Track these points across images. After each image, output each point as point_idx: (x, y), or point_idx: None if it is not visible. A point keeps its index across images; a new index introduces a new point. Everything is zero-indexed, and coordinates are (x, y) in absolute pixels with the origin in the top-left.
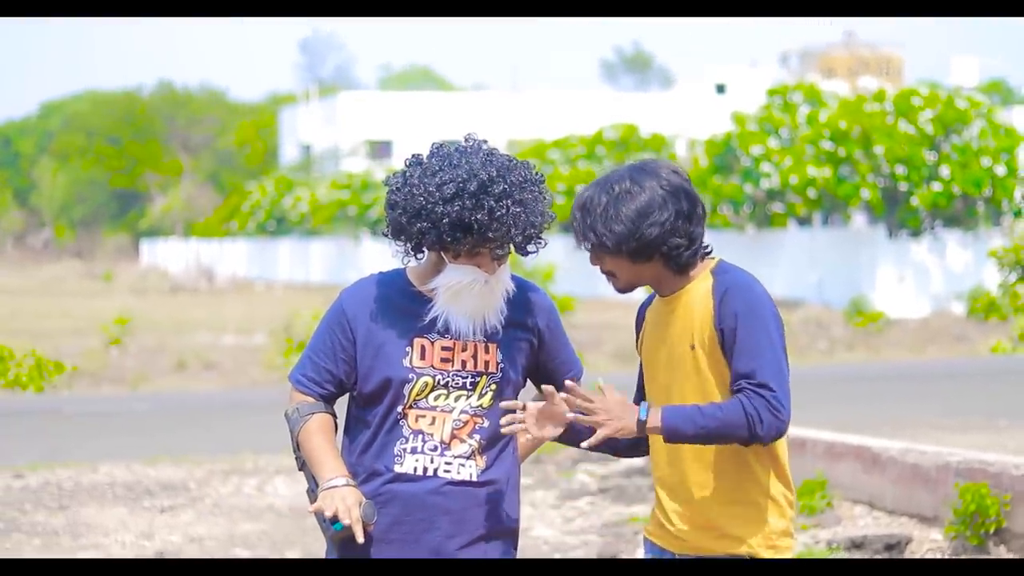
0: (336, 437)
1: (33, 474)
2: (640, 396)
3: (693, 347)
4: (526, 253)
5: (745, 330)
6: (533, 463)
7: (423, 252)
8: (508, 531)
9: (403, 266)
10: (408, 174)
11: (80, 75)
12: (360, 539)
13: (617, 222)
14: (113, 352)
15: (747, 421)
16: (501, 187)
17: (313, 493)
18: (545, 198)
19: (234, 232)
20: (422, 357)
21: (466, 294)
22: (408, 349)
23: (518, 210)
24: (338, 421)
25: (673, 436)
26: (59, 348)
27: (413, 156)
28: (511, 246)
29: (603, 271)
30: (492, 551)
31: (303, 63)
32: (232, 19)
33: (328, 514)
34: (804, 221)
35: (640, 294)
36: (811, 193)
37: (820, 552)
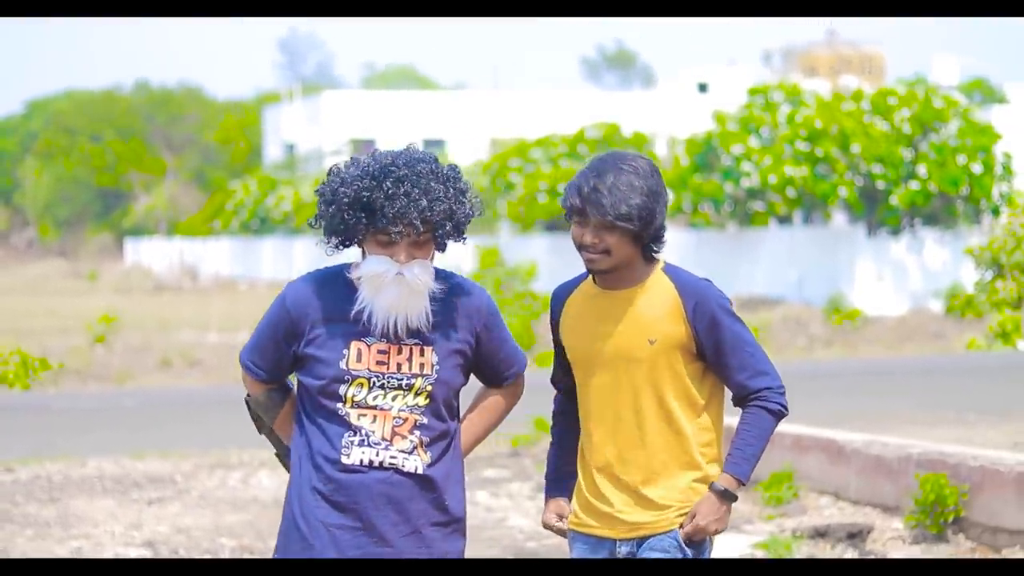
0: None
1: (23, 468)
2: (564, 380)
3: (653, 341)
4: (441, 247)
5: (730, 333)
6: (510, 456)
7: (347, 245)
8: (453, 520)
9: (349, 262)
10: (328, 172)
11: (63, 74)
12: None
13: (636, 196)
14: (98, 350)
15: (778, 420)
16: (402, 172)
17: (283, 458)
18: (462, 197)
19: (218, 231)
20: (358, 360)
21: (384, 286)
22: (345, 351)
23: (417, 194)
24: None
25: (747, 480)
26: (45, 346)
27: (336, 163)
28: (427, 235)
29: (595, 249)
30: (436, 540)
31: (283, 61)
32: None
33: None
34: (785, 220)
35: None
36: (790, 192)
37: (785, 540)
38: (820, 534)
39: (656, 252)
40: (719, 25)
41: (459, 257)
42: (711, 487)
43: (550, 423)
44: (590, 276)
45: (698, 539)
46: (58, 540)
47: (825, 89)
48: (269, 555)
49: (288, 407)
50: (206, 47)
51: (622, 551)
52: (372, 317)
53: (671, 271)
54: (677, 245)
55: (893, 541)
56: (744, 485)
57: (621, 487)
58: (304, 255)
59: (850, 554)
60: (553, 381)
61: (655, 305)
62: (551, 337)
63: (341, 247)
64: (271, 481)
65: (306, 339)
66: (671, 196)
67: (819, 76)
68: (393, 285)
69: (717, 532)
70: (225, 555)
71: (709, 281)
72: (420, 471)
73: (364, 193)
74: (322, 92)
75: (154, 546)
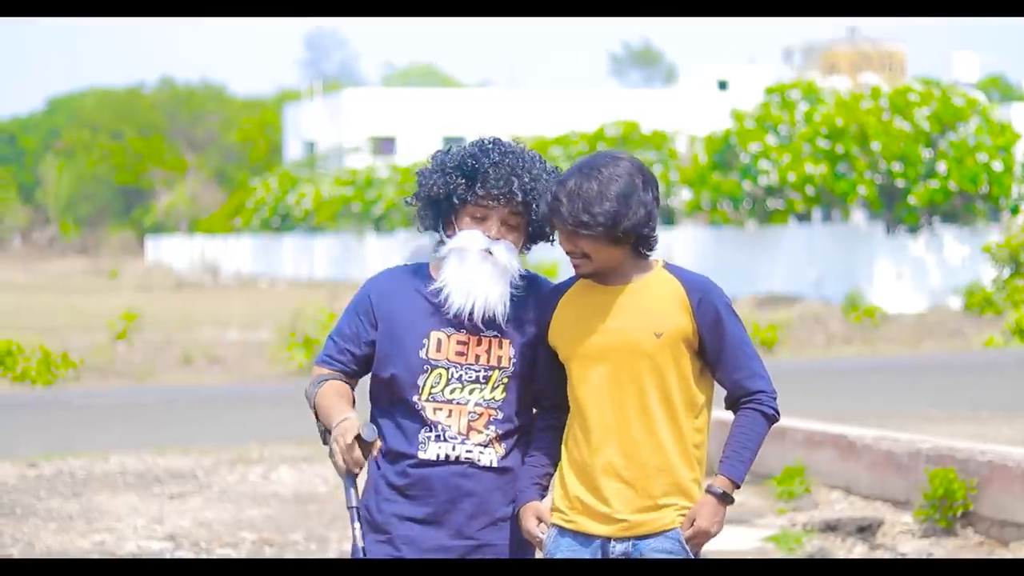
0: (353, 403)
1: (47, 463)
2: (552, 396)
3: (659, 335)
4: (532, 236)
5: (732, 331)
6: None
7: (440, 221)
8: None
9: (427, 260)
10: (433, 156)
11: (84, 71)
12: (352, 468)
13: (607, 202)
14: (120, 347)
15: (771, 424)
16: (510, 148)
17: (331, 452)
18: (551, 179)
19: (238, 229)
20: (438, 349)
21: (469, 263)
22: (425, 341)
23: (521, 168)
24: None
25: (742, 483)
26: (66, 343)
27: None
28: (519, 219)
29: (574, 255)
30: (506, 532)
31: (307, 59)
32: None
33: (337, 460)
34: (804, 218)
35: None
36: (809, 190)
37: (796, 534)
38: (830, 528)
39: (645, 251)
40: (741, 23)
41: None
42: (709, 489)
43: (533, 439)
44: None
45: (699, 541)
46: (81, 534)
47: (846, 87)
48: (290, 548)
49: (328, 388)
50: (230, 45)
51: (617, 550)
52: (449, 298)
53: (673, 268)
54: (696, 242)
55: (902, 535)
56: (739, 488)
57: (621, 484)
58: (324, 252)
59: (859, 548)
60: (535, 398)
61: (660, 299)
62: None
63: (434, 225)
64: (291, 476)
65: (385, 326)
66: (688, 194)
67: (840, 73)
68: (478, 263)
69: (715, 535)
70: (246, 549)
71: (711, 280)
72: (495, 464)
73: (469, 160)
74: (342, 90)
75: (176, 539)
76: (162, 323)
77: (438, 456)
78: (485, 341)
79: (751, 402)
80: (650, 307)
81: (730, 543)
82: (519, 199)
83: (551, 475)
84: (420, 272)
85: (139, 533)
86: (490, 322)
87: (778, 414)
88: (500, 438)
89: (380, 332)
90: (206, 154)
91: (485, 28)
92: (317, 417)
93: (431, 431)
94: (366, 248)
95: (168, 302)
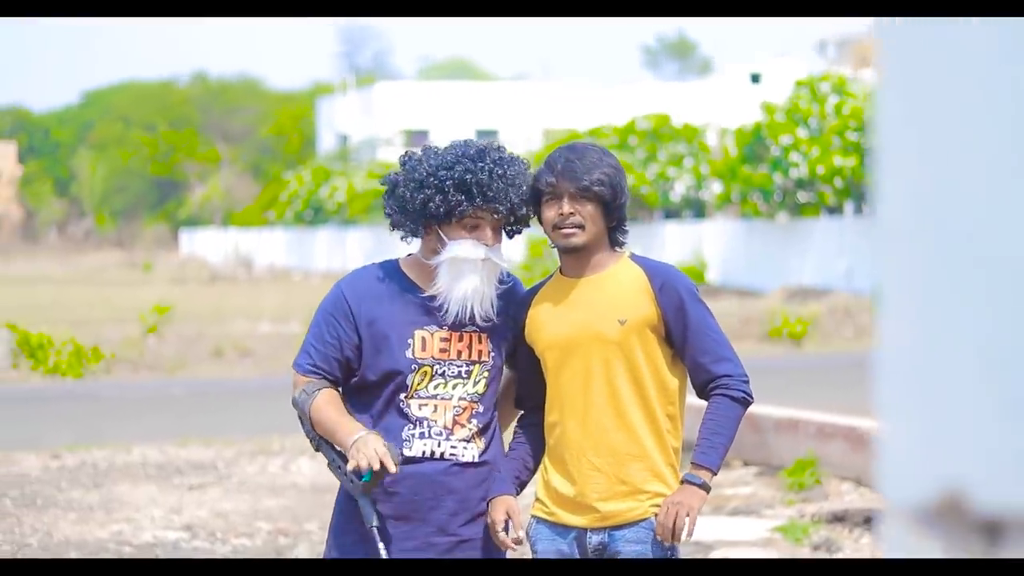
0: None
1: (70, 455)
2: (533, 397)
3: (623, 321)
4: (514, 230)
5: (695, 316)
6: None
7: (423, 231)
8: None
9: (397, 257)
10: (407, 160)
11: (122, 66)
12: (392, 469)
13: (605, 167)
14: (151, 340)
15: (744, 407)
16: (495, 155)
17: (335, 463)
18: (528, 179)
19: (272, 222)
20: (423, 348)
21: (467, 269)
22: (410, 341)
23: (513, 174)
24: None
25: (718, 470)
26: (99, 336)
27: (407, 152)
28: (506, 216)
29: (570, 224)
30: (486, 526)
31: (341, 53)
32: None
33: (350, 466)
34: (835, 210)
35: None
36: (839, 182)
37: (803, 524)
38: (838, 519)
39: (621, 238)
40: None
41: (509, 248)
42: (686, 478)
43: (512, 437)
44: (555, 274)
45: (672, 530)
46: (100, 524)
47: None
48: (304, 538)
49: (325, 398)
50: (266, 39)
51: (593, 540)
52: (446, 304)
53: (638, 258)
54: (726, 235)
55: None
56: (715, 475)
57: (595, 474)
58: (357, 245)
59: (866, 538)
60: (518, 400)
61: (623, 287)
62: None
63: (416, 232)
64: (310, 467)
65: (367, 330)
66: (719, 187)
67: (872, 66)
68: (475, 270)
69: (690, 524)
70: (261, 538)
71: (674, 267)
72: (476, 459)
73: (468, 175)
74: (375, 83)
75: (192, 529)
76: (194, 316)
77: (423, 453)
78: (466, 336)
79: (718, 387)
80: (615, 296)
81: (738, 533)
82: (514, 209)
83: (531, 471)
84: (393, 271)
85: (156, 523)
86: (471, 317)
87: (750, 396)
88: (480, 432)
89: (364, 336)
90: (240, 147)
91: (520, 22)
92: (310, 427)
93: (415, 428)
94: (398, 241)
95: (201, 295)
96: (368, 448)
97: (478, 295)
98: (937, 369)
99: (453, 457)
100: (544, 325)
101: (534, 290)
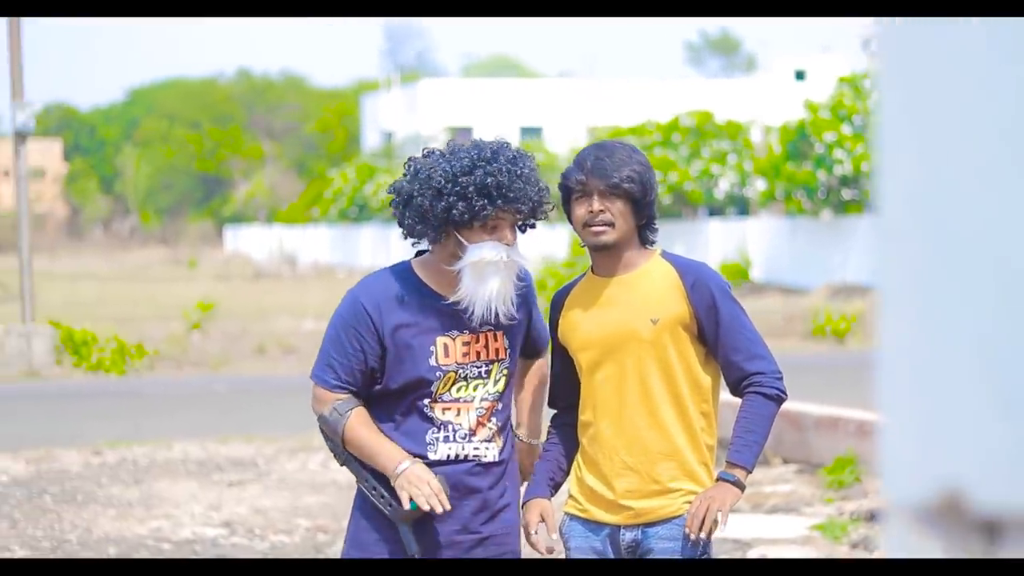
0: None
1: (111, 451)
2: (568, 397)
3: (655, 320)
4: (530, 224)
5: (728, 314)
6: None
7: (443, 237)
8: (517, 499)
9: (408, 259)
10: (415, 167)
11: (167, 63)
12: (445, 508)
13: (635, 164)
14: (195, 337)
15: (778, 405)
16: (508, 153)
17: (372, 487)
18: (537, 174)
19: (316, 219)
20: (446, 355)
21: (490, 272)
22: (432, 348)
23: (528, 171)
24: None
25: (752, 469)
26: (143, 333)
27: (410, 158)
28: (528, 214)
29: (600, 223)
30: (507, 521)
31: (386, 49)
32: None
33: (403, 497)
34: None
35: None
36: None
37: (842, 522)
38: (875, 517)
39: (651, 236)
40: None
41: (554, 244)
42: (720, 476)
43: (547, 437)
44: (587, 273)
45: (703, 527)
46: (139, 520)
47: None
48: (343, 535)
49: (359, 418)
50: (309, 37)
51: (627, 537)
52: (471, 308)
53: (669, 256)
54: (771, 233)
55: None
56: (750, 473)
57: (628, 472)
58: (401, 243)
59: None
60: (552, 400)
61: (655, 285)
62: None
63: (435, 237)
64: None
65: (391, 338)
66: (763, 184)
67: None
68: (498, 271)
69: (722, 522)
70: (300, 535)
71: (707, 264)
72: (497, 458)
73: (488, 178)
74: (420, 80)
75: (231, 526)
76: (238, 313)
77: (448, 456)
78: (483, 337)
79: (752, 385)
80: (647, 294)
81: (777, 531)
82: (533, 206)
83: (565, 472)
84: (406, 275)
85: (196, 519)
86: (495, 318)
87: (783, 393)
88: (500, 430)
89: (387, 346)
90: (284, 144)
91: (564, 19)
92: (340, 444)
93: (439, 431)
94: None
95: (245, 292)
96: (422, 484)
97: (501, 296)
98: (936, 367)
99: (476, 458)
100: (577, 326)
101: (566, 290)
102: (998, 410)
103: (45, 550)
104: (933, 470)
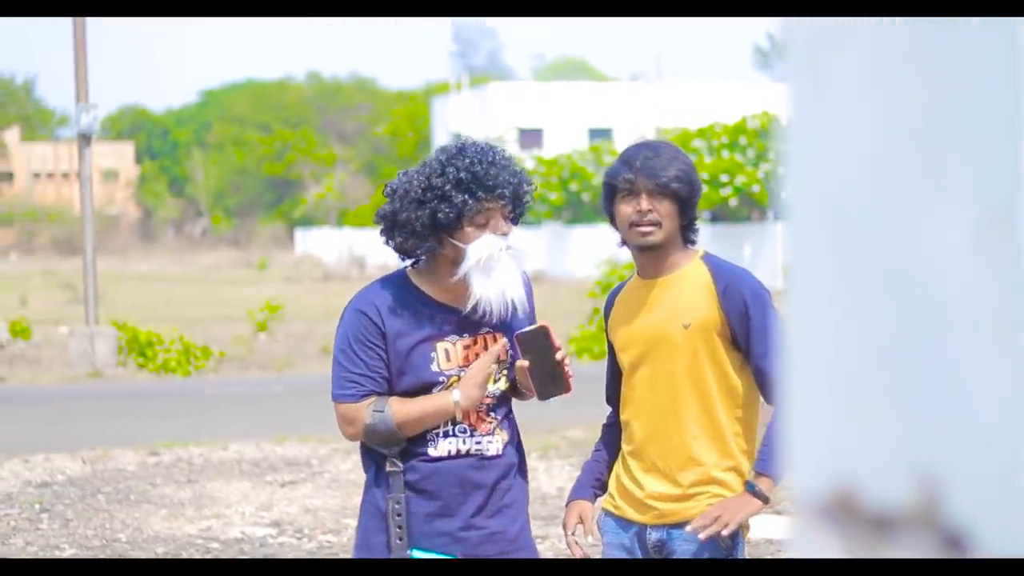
0: None
1: (167, 451)
2: (615, 378)
3: (687, 325)
4: (520, 212)
5: (759, 320)
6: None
7: (438, 247)
8: (524, 494)
9: (403, 268)
10: (391, 188)
11: (241, 65)
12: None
13: (682, 164)
14: (261, 338)
15: None
16: (474, 146)
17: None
18: (511, 160)
19: None
20: (448, 360)
21: (493, 267)
22: (433, 355)
23: (500, 157)
24: None
25: (778, 480)
26: (209, 334)
27: (385, 183)
28: (511, 199)
29: (647, 223)
30: (513, 516)
31: (455, 52)
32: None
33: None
34: None
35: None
36: None
37: None
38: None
39: (693, 237)
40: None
41: (613, 247)
42: (746, 486)
43: (601, 434)
44: (635, 274)
45: (712, 530)
46: (190, 519)
47: None
48: None
49: (397, 403)
50: (381, 39)
51: (653, 537)
52: (488, 308)
53: (709, 259)
54: None
55: None
56: (776, 483)
57: (655, 473)
58: None
59: None
60: (607, 398)
61: (691, 289)
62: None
63: (433, 248)
64: None
65: (394, 345)
66: None
67: None
68: (502, 264)
69: (735, 529)
70: (347, 535)
71: (743, 268)
72: (500, 452)
73: (462, 173)
74: (490, 83)
75: (280, 526)
76: (305, 314)
77: (449, 452)
78: (481, 340)
79: None
80: (681, 299)
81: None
82: (520, 195)
83: (612, 470)
84: (402, 284)
85: (246, 519)
86: (511, 311)
87: None
88: (502, 424)
89: (390, 351)
90: (354, 147)
91: (634, 21)
92: (400, 437)
93: (439, 428)
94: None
95: (314, 294)
96: (477, 375)
97: (515, 288)
98: (836, 364)
99: (479, 452)
100: (620, 327)
101: (616, 291)
102: (890, 409)
103: (95, 549)
104: (831, 467)
